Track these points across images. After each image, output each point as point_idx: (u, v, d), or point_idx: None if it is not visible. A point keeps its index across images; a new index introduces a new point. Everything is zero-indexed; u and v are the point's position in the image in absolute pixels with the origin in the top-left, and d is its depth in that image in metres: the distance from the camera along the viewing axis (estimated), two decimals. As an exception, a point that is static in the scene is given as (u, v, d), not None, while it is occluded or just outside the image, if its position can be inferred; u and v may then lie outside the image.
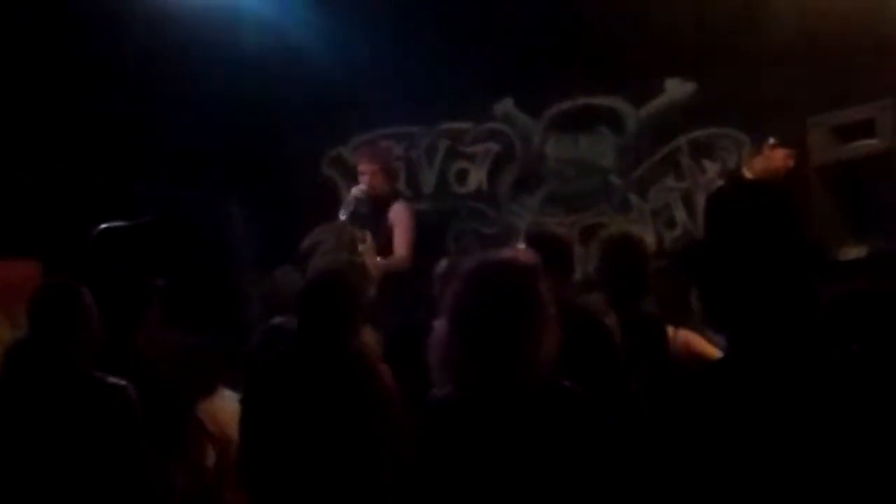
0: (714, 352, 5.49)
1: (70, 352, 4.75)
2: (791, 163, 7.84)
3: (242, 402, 5.24)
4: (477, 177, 10.06)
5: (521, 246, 6.98)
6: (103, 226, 6.62)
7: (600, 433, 3.58)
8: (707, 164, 9.37)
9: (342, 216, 8.20)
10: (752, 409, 2.89)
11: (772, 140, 7.85)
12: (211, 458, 5.57)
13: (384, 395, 4.85)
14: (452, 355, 3.64)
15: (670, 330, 5.72)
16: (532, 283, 3.68)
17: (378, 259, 7.89)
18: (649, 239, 9.05)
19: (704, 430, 2.94)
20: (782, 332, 2.94)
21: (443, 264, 6.49)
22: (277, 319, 6.12)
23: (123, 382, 4.72)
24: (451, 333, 3.65)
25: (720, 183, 8.73)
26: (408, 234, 8.32)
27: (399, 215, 8.38)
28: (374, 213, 8.31)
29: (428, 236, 8.58)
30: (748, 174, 7.90)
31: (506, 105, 9.95)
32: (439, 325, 3.72)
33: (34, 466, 4.60)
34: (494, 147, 10.04)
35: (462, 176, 10.05)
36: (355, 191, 8.39)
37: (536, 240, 5.71)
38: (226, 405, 5.68)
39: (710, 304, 3.07)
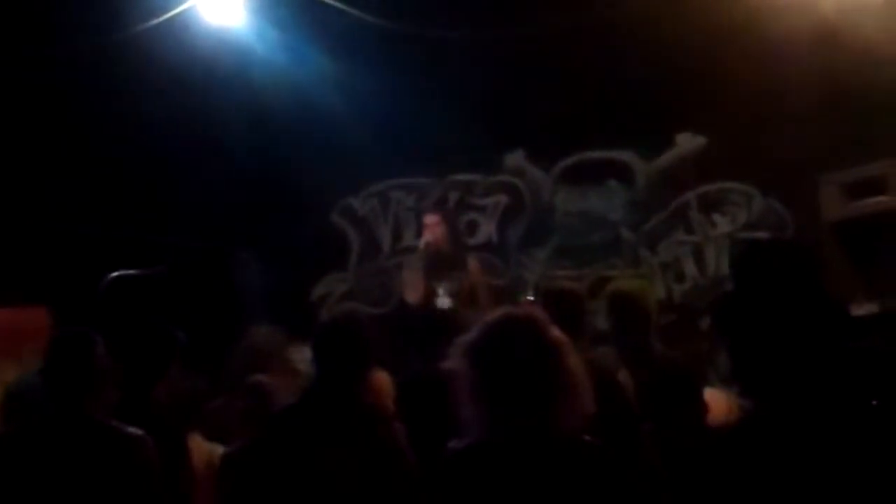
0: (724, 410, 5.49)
1: (86, 400, 4.73)
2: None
3: (249, 453, 5.18)
4: (486, 228, 10.07)
5: (530, 299, 7.01)
6: (115, 274, 6.62)
7: (620, 488, 3.57)
8: (717, 218, 9.38)
9: (413, 266, 8.61)
10: (787, 464, 2.90)
11: None
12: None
13: (398, 456, 4.80)
14: (472, 407, 3.64)
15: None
16: (548, 339, 3.68)
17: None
18: (659, 292, 9.08)
19: (739, 484, 2.95)
20: (811, 387, 2.95)
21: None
22: (258, 377, 6.04)
23: (141, 433, 4.71)
24: (471, 386, 3.65)
25: (744, 239, 8.75)
26: (490, 290, 8.65)
27: (480, 275, 8.73)
28: (451, 266, 8.49)
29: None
30: None
31: (516, 157, 9.99)
32: (460, 376, 3.72)
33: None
34: (504, 199, 10.07)
35: (472, 227, 10.05)
36: (423, 241, 8.75)
37: (550, 296, 5.73)
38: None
39: (738, 358, 3.07)
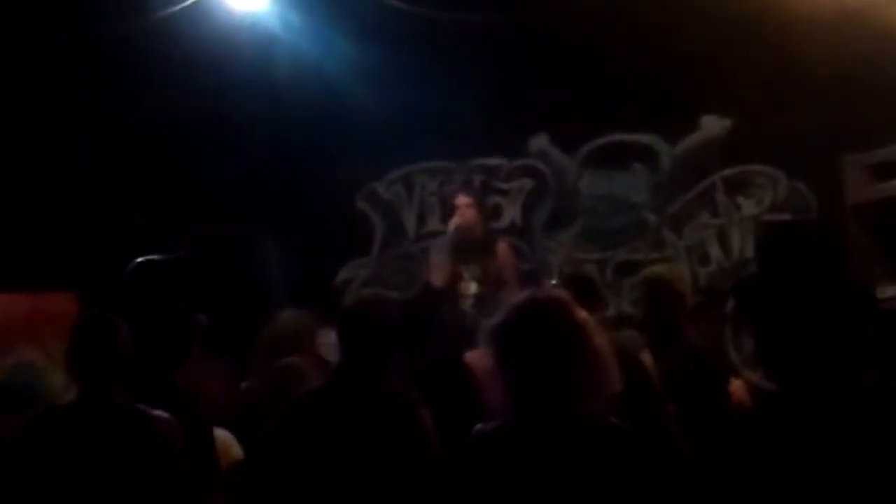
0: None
1: (110, 384, 4.76)
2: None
3: (269, 438, 5.19)
4: (511, 212, 10.06)
5: (554, 283, 7.01)
6: (140, 259, 6.62)
7: (644, 471, 3.57)
8: (742, 200, 9.34)
9: (441, 249, 8.58)
10: (810, 445, 2.89)
11: None
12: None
13: (424, 440, 4.80)
14: (500, 390, 3.65)
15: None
16: (576, 319, 3.69)
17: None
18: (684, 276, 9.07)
19: (761, 467, 2.94)
20: (836, 370, 2.94)
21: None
22: (290, 359, 6.05)
23: (167, 415, 4.74)
24: (499, 369, 3.66)
25: (768, 219, 8.72)
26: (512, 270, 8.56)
27: (506, 257, 8.62)
28: (480, 249, 8.47)
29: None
30: None
31: (541, 141, 9.97)
32: (487, 360, 3.73)
33: (77, 498, 4.61)
34: (529, 183, 10.06)
35: (496, 211, 10.04)
36: (453, 224, 8.67)
37: (570, 281, 5.75)
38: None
39: (764, 341, 3.06)
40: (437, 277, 8.53)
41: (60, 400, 5.57)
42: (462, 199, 8.75)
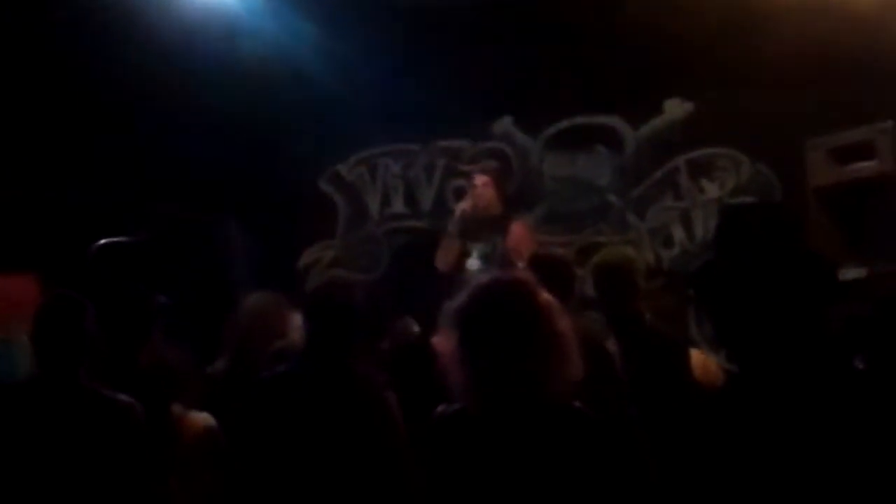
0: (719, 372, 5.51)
1: (76, 366, 4.73)
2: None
3: (239, 420, 5.18)
4: (475, 195, 10.02)
5: (520, 266, 7.01)
6: (102, 241, 6.59)
7: (608, 455, 3.57)
8: (705, 183, 9.38)
9: (449, 230, 8.26)
10: (773, 427, 2.91)
11: None
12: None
13: (390, 423, 4.81)
14: (461, 373, 3.63)
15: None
16: (539, 303, 3.68)
17: None
18: (647, 258, 9.11)
19: (726, 447, 2.96)
20: (796, 351, 2.95)
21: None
22: (282, 342, 6.03)
23: (131, 400, 4.72)
24: (460, 351, 3.64)
25: (726, 203, 8.76)
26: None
27: (521, 238, 8.14)
28: (489, 230, 8.20)
29: (427, 252, 8.52)
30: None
31: (504, 124, 9.97)
32: (448, 342, 3.72)
33: (41, 482, 4.59)
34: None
35: (460, 194, 10.00)
36: (460, 208, 8.38)
37: (539, 262, 5.73)
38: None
39: (722, 325, 3.08)
40: (442, 261, 8.25)
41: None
42: (479, 179, 8.41)
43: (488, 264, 7.83)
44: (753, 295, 2.98)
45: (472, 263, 8.02)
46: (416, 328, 7.49)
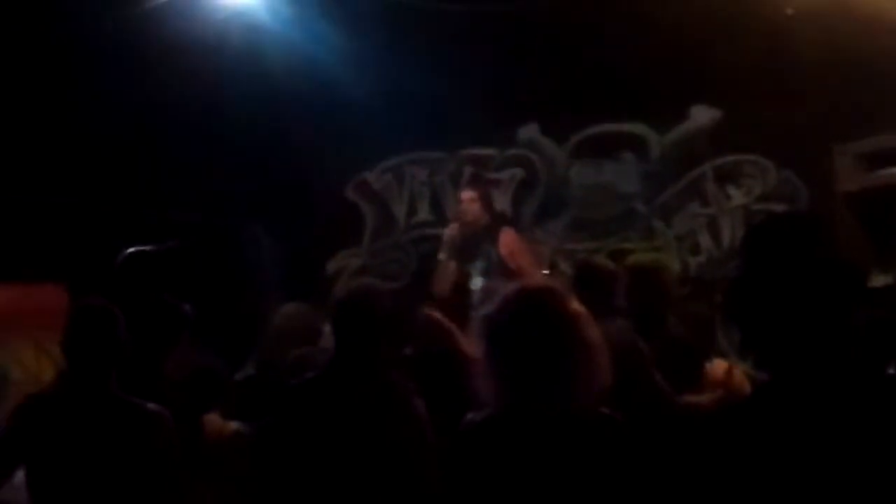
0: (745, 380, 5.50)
1: (107, 374, 4.76)
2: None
3: (265, 426, 5.19)
4: (501, 202, 10.03)
5: (546, 272, 7.00)
6: (130, 250, 6.63)
7: (636, 461, 3.57)
8: (732, 190, 9.36)
9: (441, 258, 8.29)
10: (806, 434, 2.89)
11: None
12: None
13: (417, 430, 4.81)
14: (490, 381, 3.65)
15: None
16: (567, 311, 3.68)
17: None
18: (674, 265, 9.08)
19: (756, 455, 2.94)
20: (827, 358, 2.93)
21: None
22: (304, 349, 6.06)
23: (160, 409, 4.74)
24: (489, 360, 3.65)
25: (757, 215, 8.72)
26: (525, 256, 8.26)
27: (512, 244, 8.28)
28: (481, 244, 8.24)
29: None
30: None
31: (530, 131, 9.98)
32: (477, 349, 3.73)
33: (73, 489, 4.61)
34: (519, 173, 10.06)
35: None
36: (448, 231, 8.42)
37: (585, 271, 5.74)
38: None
39: (750, 332, 3.06)
40: (439, 287, 8.27)
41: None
42: (465, 194, 8.56)
43: (490, 278, 7.87)
44: (782, 302, 2.97)
45: (476, 283, 8.03)
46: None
